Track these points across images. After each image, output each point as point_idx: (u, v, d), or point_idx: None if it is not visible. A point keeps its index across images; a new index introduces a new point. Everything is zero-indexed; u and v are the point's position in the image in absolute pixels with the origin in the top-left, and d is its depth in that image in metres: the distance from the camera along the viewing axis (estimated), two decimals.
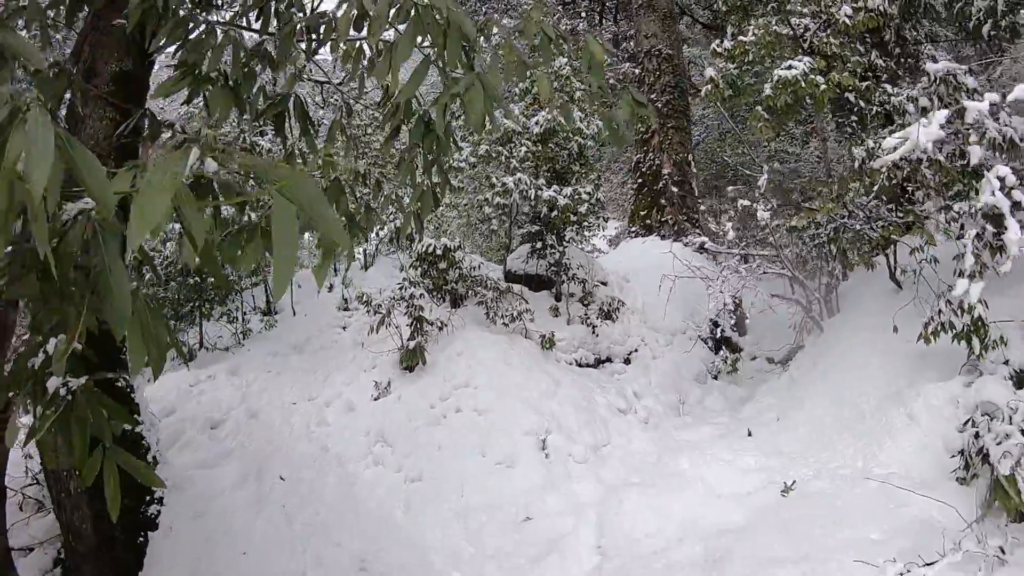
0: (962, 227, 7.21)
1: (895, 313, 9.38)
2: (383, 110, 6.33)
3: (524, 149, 11.64)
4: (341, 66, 6.10)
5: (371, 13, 3.76)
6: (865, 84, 9.84)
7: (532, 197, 10.89)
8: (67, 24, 5.85)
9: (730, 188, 13.57)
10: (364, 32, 4.70)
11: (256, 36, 5.58)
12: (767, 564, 6.20)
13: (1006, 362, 7.16)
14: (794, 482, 7.48)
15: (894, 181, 9.11)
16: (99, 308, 2.45)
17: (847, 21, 9.90)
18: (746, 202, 9.85)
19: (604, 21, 23.60)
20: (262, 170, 2.00)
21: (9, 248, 2.52)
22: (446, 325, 11.01)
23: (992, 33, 10.62)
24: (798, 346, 11.48)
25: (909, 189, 10.98)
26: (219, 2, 5.92)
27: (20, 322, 6.86)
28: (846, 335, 10.17)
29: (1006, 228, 6.40)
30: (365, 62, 5.91)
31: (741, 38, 9.96)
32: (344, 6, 4.14)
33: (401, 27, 3.73)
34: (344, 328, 13.02)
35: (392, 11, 3.71)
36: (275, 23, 5.58)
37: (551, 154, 11.86)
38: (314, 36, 6.31)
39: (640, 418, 10.37)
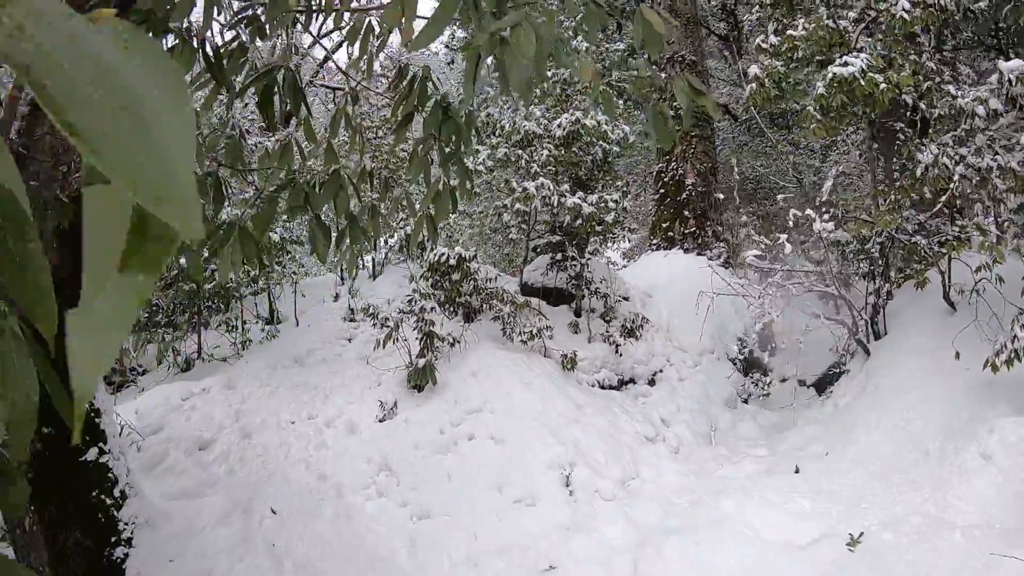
0: None
1: (954, 337, 8.25)
2: (393, 92, 5.18)
3: (546, 153, 10.48)
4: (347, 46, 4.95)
5: None
6: (927, 84, 8.64)
7: (555, 204, 9.71)
8: None
9: (780, 197, 12.34)
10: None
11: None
12: None
13: None
14: (861, 534, 6.27)
15: (962, 191, 7.95)
16: None
17: (904, 16, 8.71)
18: (800, 212, 8.61)
19: (623, 27, 22.44)
20: None
21: None
22: (459, 341, 9.83)
23: None
24: (840, 370, 10.25)
25: (957, 202, 9.82)
26: None
27: None
28: (898, 360, 8.98)
29: None
30: (375, 41, 4.81)
31: (791, 32, 8.76)
32: None
33: None
34: (349, 340, 11.85)
35: None
36: None
37: (575, 159, 10.69)
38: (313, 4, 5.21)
39: (670, 447, 9.17)
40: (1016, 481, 6.58)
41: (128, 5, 3.77)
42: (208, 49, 4.25)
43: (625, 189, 11.44)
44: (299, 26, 5.14)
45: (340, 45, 16.65)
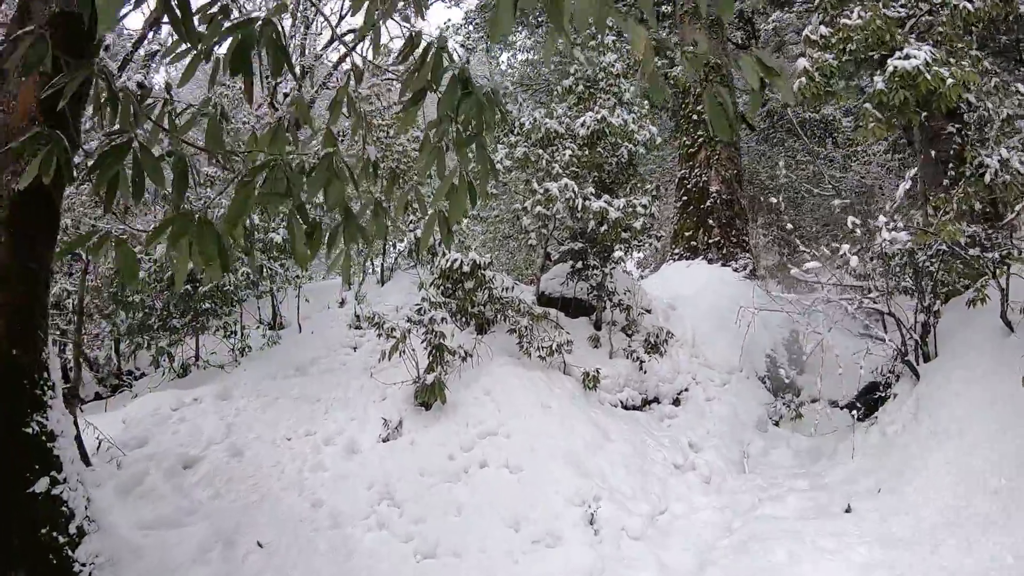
0: None
1: (1017, 361, 7.20)
2: (402, 62, 4.20)
3: (568, 153, 9.42)
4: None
5: None
6: (993, 82, 7.56)
7: (579, 208, 8.65)
8: None
9: (836, 202, 11.24)
10: None
11: None
12: None
13: None
14: None
15: None
16: None
17: (968, 7, 7.65)
18: (859, 220, 7.49)
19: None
20: None
21: None
22: (471, 355, 8.76)
23: None
24: (884, 394, 9.13)
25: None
26: None
27: None
28: (953, 386, 7.88)
29: None
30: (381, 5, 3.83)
31: (845, 22, 7.69)
32: None
33: None
34: (355, 349, 10.81)
35: None
36: None
37: (599, 160, 9.63)
38: None
39: (701, 476, 8.10)
40: None
41: None
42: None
43: (655, 193, 10.35)
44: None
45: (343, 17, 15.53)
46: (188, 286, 10.19)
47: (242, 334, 11.14)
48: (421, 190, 4.75)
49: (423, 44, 3.76)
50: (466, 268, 8.62)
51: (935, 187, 8.99)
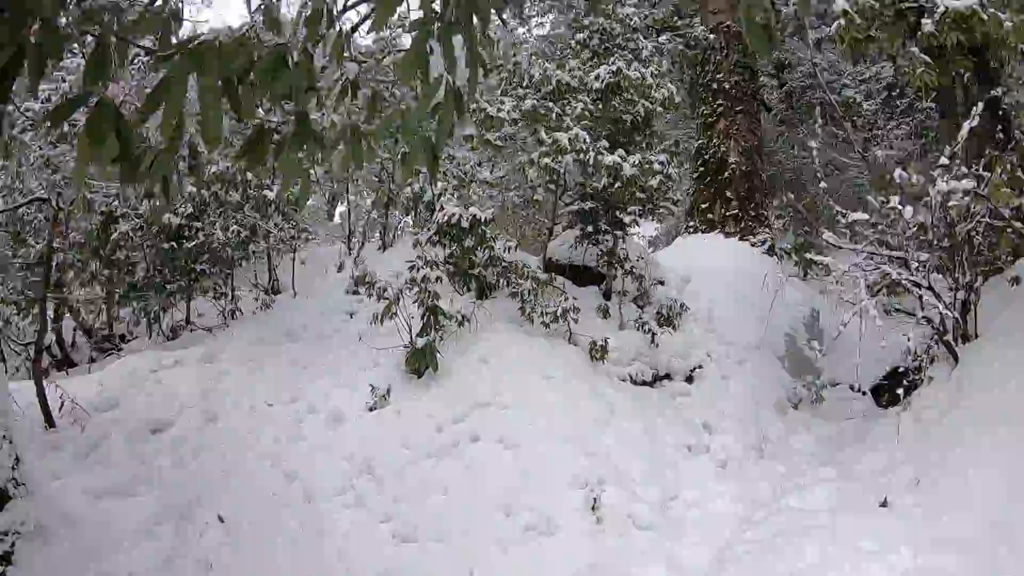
0: None
1: None
2: None
3: (580, 107, 8.41)
4: None
5: None
6: None
7: (590, 162, 7.63)
8: None
9: (880, 152, 10.13)
10: None
11: None
12: None
13: None
14: None
15: None
16: None
17: None
18: (909, 174, 6.40)
19: None
20: None
21: None
22: (469, 320, 7.79)
23: None
24: (916, 378, 8.04)
25: None
26: None
27: None
28: (1001, 370, 6.84)
29: None
30: None
31: None
32: None
33: None
34: (351, 315, 9.81)
35: None
36: None
37: (614, 114, 8.60)
38: None
39: (716, 460, 7.13)
40: None
41: None
42: None
43: (674, 149, 9.32)
44: None
45: None
46: (173, 243, 9.24)
47: (232, 296, 10.19)
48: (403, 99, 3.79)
49: None
50: (465, 223, 7.64)
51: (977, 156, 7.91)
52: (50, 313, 11.06)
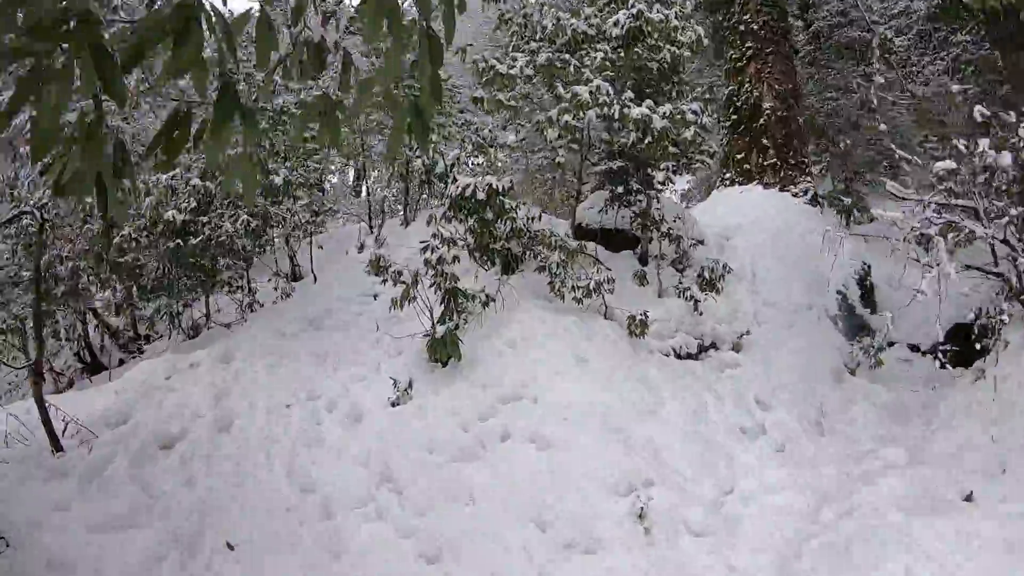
0: None
1: None
2: None
3: (600, 56, 7.42)
4: None
5: None
6: None
7: (615, 116, 6.66)
8: None
9: (955, 87, 8.94)
10: None
11: None
12: None
13: None
14: None
15: None
16: None
17: None
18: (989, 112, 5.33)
19: None
20: None
21: None
22: (493, 300, 6.92)
23: None
24: (987, 340, 6.95)
25: None
26: None
27: None
28: None
29: None
30: None
31: None
32: None
33: None
34: (374, 298, 9.01)
35: None
36: None
37: (638, 62, 7.59)
38: None
39: (772, 443, 6.24)
40: None
41: None
42: None
43: (708, 96, 8.28)
44: None
45: None
46: (179, 240, 8.45)
47: (249, 288, 9.42)
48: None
49: None
50: (481, 195, 6.73)
51: None
52: (69, 322, 10.52)
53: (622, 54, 7.57)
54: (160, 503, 5.45)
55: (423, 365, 6.83)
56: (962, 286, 7.32)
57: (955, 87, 8.87)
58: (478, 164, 10.40)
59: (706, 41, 8.38)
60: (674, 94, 7.88)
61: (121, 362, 10.86)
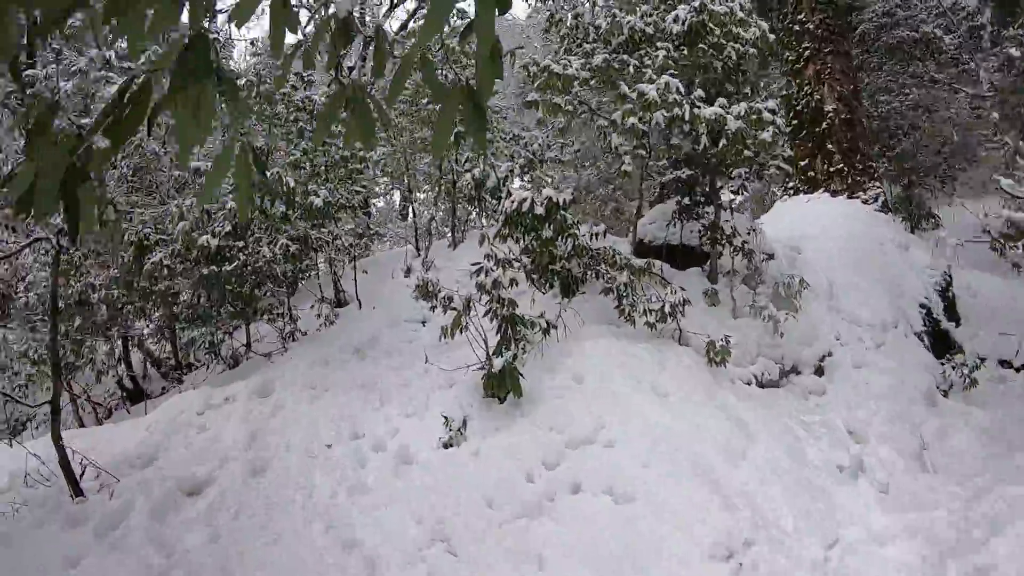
0: None
1: None
2: None
3: (662, 55, 6.57)
4: None
5: None
6: None
7: (686, 118, 5.80)
8: None
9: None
10: None
11: None
12: None
13: None
14: None
15: None
16: None
17: None
18: None
19: None
20: None
21: None
22: (555, 327, 6.06)
23: None
24: None
25: None
26: None
27: None
28: None
29: None
30: None
31: None
32: None
33: None
34: (423, 324, 8.22)
35: None
36: None
37: (702, 61, 6.72)
38: None
39: (875, 483, 5.31)
40: None
41: None
42: None
43: (784, 93, 7.37)
44: None
45: None
46: (213, 267, 7.76)
47: (290, 315, 8.70)
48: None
49: None
50: (539, 209, 5.90)
51: None
52: (108, 350, 9.95)
53: (685, 52, 6.72)
54: (179, 566, 4.68)
55: (478, 401, 6.00)
56: None
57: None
58: (528, 181, 9.60)
59: (771, 36, 7.47)
60: (743, 93, 7.00)
61: (164, 390, 10.31)
